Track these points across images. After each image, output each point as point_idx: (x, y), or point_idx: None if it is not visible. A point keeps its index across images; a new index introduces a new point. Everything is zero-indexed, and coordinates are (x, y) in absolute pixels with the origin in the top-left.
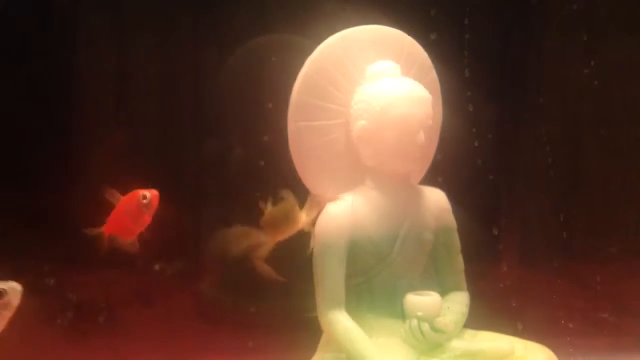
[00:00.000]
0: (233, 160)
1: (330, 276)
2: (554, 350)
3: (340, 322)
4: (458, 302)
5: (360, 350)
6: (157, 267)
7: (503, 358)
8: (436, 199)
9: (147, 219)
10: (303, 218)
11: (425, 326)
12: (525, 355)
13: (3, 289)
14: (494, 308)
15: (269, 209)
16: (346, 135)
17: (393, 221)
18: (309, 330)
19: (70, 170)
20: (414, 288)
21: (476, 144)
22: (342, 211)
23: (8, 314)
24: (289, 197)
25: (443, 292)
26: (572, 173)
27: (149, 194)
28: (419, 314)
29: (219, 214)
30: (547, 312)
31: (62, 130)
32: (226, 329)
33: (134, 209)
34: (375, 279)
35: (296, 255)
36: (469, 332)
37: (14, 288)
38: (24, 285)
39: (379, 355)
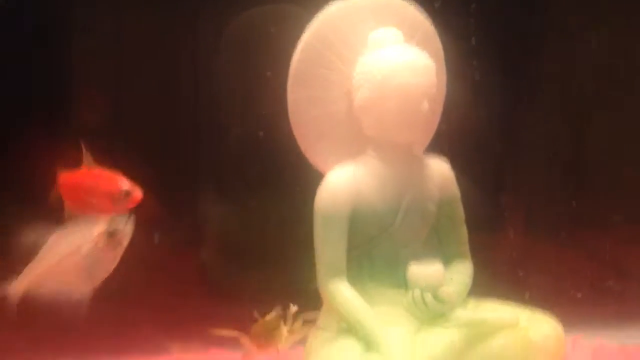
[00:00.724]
0: (230, 131)
1: (331, 246)
2: (559, 319)
3: (341, 292)
4: (461, 273)
5: (361, 320)
6: (156, 235)
7: (507, 328)
8: (440, 168)
9: (120, 210)
10: (284, 335)
11: (428, 296)
12: (530, 324)
13: (115, 229)
14: (499, 278)
15: (259, 321)
16: (348, 105)
17: (396, 191)
18: (310, 300)
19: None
20: (416, 258)
21: (481, 113)
22: (343, 180)
23: (121, 249)
24: (277, 314)
25: (446, 263)
26: (578, 141)
27: (130, 191)
28: (422, 284)
29: (217, 181)
30: (551, 280)
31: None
32: (226, 299)
33: (107, 197)
34: (377, 249)
35: (297, 225)
36: (473, 302)
37: (125, 223)
38: None
39: (381, 325)
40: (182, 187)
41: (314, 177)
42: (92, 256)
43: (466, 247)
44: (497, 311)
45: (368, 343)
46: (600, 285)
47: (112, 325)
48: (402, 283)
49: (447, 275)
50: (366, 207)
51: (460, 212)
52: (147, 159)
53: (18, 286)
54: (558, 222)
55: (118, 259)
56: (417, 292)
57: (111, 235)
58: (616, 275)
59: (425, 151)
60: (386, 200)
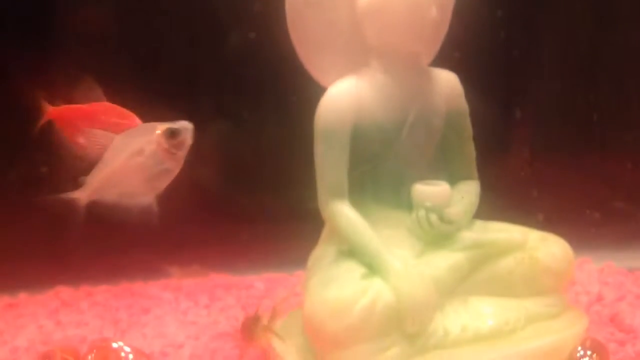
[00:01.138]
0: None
1: (332, 164)
2: (567, 240)
3: (343, 213)
4: (468, 192)
5: (364, 243)
6: None
7: (515, 249)
8: (447, 81)
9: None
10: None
11: (434, 217)
12: (538, 245)
13: (176, 129)
14: (508, 198)
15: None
16: (350, 11)
17: (400, 105)
18: (312, 221)
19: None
20: (422, 177)
21: (492, 21)
22: (345, 94)
23: (183, 154)
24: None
25: (453, 181)
26: (591, 57)
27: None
28: (427, 204)
29: (216, 102)
30: (561, 201)
31: None
32: (225, 220)
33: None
34: (380, 167)
35: (296, 143)
36: (479, 223)
37: (186, 127)
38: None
39: (384, 247)
40: (176, 103)
41: (314, 91)
42: (155, 158)
43: (473, 165)
44: (504, 232)
45: (371, 266)
46: (609, 206)
47: (107, 249)
48: (407, 204)
49: (453, 194)
50: (369, 122)
51: (467, 127)
52: (137, 67)
53: (85, 191)
54: (568, 142)
55: (180, 164)
56: (421, 213)
57: (172, 135)
58: (626, 197)
59: (432, 63)
60: (390, 115)
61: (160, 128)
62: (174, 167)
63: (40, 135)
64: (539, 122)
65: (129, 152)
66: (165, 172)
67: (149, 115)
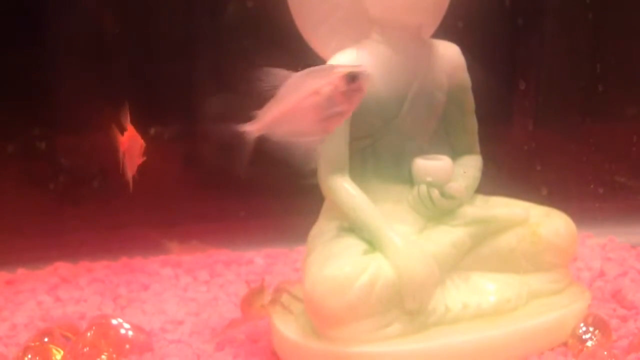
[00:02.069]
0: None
1: (332, 138)
2: (570, 214)
3: (343, 188)
4: (470, 166)
5: (364, 218)
6: (152, 131)
7: (517, 225)
8: (450, 54)
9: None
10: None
11: (435, 192)
12: (541, 220)
13: (357, 73)
14: (511, 172)
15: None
16: None
17: (402, 78)
18: (312, 196)
19: None
20: (423, 152)
21: None
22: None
23: (358, 98)
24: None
25: (454, 156)
26: (598, 28)
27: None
28: (429, 179)
29: (212, 74)
30: (565, 176)
31: None
32: (224, 195)
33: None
34: (381, 141)
35: None
36: (481, 198)
37: (365, 73)
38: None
39: (385, 223)
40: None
41: (314, 63)
42: (331, 100)
43: (475, 139)
44: (506, 207)
45: (371, 242)
46: (610, 180)
47: (106, 226)
48: (408, 179)
49: (455, 169)
50: (369, 95)
51: (470, 101)
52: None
53: (255, 125)
54: (572, 115)
55: (353, 108)
56: (423, 188)
57: (352, 79)
58: (627, 170)
59: (434, 34)
60: (391, 88)
61: (339, 70)
62: (347, 110)
63: None
64: (543, 95)
65: (304, 91)
66: (338, 115)
67: None
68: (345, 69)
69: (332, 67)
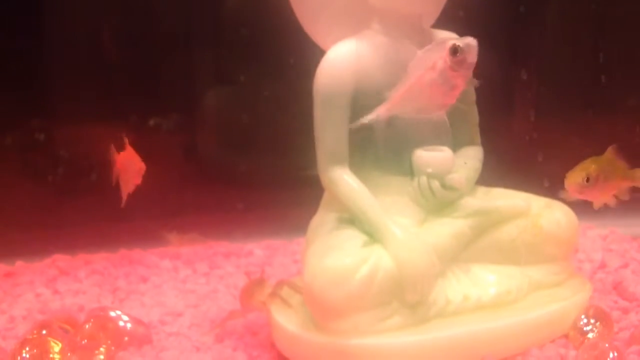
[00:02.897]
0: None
1: (332, 129)
2: (571, 205)
3: (343, 180)
4: (471, 157)
5: (364, 210)
6: (151, 122)
7: (518, 216)
8: None
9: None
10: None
11: (436, 183)
12: (542, 212)
13: (457, 45)
14: (513, 163)
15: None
16: None
17: (402, 69)
18: (312, 187)
19: None
20: (424, 143)
21: None
22: (345, 57)
23: (466, 72)
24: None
25: (455, 147)
26: (601, 19)
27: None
28: (429, 170)
29: (213, 66)
30: (567, 167)
31: None
32: (224, 187)
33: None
34: (381, 133)
35: (295, 108)
36: (482, 190)
37: (469, 44)
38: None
39: (385, 215)
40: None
41: (313, 54)
42: (443, 74)
43: (476, 130)
44: (507, 198)
45: (371, 234)
46: None
47: (104, 218)
48: (408, 170)
49: (456, 160)
50: (370, 86)
51: (471, 92)
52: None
53: (386, 105)
54: (574, 105)
55: (465, 80)
56: (423, 179)
57: (454, 51)
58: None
59: (434, 25)
60: (391, 79)
61: (445, 45)
62: (459, 84)
63: None
64: (545, 85)
65: (423, 67)
66: (452, 89)
67: None
68: (450, 42)
69: (446, 40)
